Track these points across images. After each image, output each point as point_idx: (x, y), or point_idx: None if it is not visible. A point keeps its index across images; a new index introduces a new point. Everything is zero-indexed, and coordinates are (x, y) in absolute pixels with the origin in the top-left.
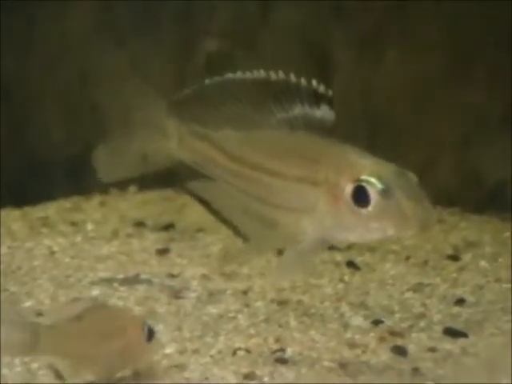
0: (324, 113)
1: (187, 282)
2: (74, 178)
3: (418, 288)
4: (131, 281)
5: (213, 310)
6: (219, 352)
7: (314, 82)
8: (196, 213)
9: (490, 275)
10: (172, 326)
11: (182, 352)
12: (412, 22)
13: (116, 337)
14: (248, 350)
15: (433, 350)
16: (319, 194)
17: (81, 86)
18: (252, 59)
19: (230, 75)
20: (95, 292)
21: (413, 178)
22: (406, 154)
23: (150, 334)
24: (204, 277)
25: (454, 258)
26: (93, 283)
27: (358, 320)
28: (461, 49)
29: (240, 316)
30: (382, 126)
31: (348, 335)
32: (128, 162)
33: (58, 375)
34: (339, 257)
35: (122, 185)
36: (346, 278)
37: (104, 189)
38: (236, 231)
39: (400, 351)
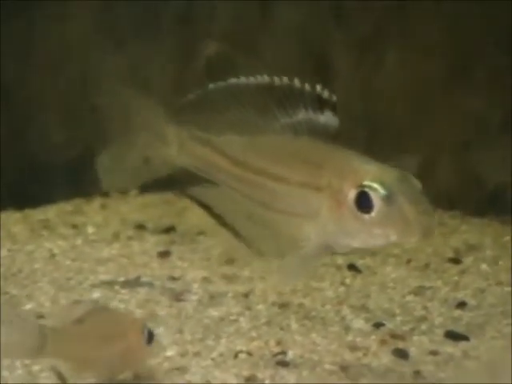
0: (328, 118)
1: (188, 284)
2: (74, 180)
3: (419, 291)
4: (132, 283)
5: (214, 312)
6: (220, 355)
7: (318, 88)
8: (196, 216)
9: (491, 278)
10: (173, 329)
11: (183, 355)
12: (412, 22)
13: (117, 340)
14: (249, 353)
15: (434, 353)
16: (322, 200)
17: (81, 87)
18: (252, 60)
19: (233, 80)
20: (96, 295)
21: (416, 183)
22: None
23: (150, 337)
24: (205, 279)
25: (455, 261)
26: (93, 286)
27: (359, 323)
28: (461, 49)
29: (241, 319)
30: (381, 128)
31: (349, 338)
32: (130, 170)
33: (61, 377)
34: (340, 260)
35: (122, 188)
36: (348, 281)
37: (105, 192)
38: (238, 236)
39: (401, 354)
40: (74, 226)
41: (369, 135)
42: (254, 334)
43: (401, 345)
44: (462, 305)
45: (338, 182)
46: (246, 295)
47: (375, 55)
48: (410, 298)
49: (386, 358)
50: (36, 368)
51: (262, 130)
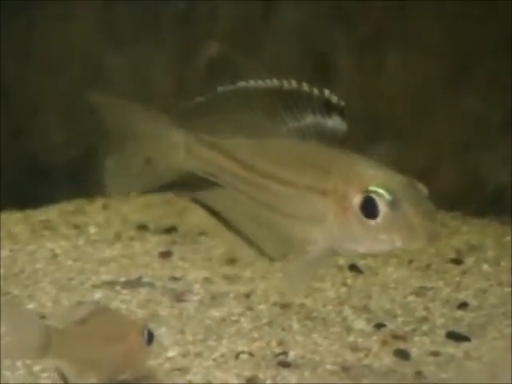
0: (336, 123)
1: (190, 285)
2: (76, 180)
3: (420, 292)
4: (134, 284)
5: (215, 313)
6: (222, 355)
7: (327, 92)
8: (198, 216)
9: (493, 279)
10: (175, 329)
11: (184, 355)
12: (412, 22)
13: (117, 341)
14: (251, 354)
15: (435, 353)
16: (328, 204)
17: (81, 87)
18: (254, 60)
19: (242, 83)
20: (98, 295)
21: (422, 188)
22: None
23: (150, 338)
24: (206, 280)
25: (457, 261)
26: (95, 286)
27: (360, 323)
28: (461, 49)
29: (243, 319)
30: (381, 128)
31: (351, 339)
32: (137, 175)
33: (63, 378)
34: (342, 260)
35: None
36: (349, 281)
37: (104, 191)
38: (246, 240)
39: (403, 355)
40: (76, 227)
41: (369, 135)
42: (255, 334)
43: (402, 345)
44: (463, 305)
45: (343, 187)
46: (247, 295)
47: (375, 55)
48: (411, 298)
49: (387, 359)
50: (37, 368)
51: (270, 133)
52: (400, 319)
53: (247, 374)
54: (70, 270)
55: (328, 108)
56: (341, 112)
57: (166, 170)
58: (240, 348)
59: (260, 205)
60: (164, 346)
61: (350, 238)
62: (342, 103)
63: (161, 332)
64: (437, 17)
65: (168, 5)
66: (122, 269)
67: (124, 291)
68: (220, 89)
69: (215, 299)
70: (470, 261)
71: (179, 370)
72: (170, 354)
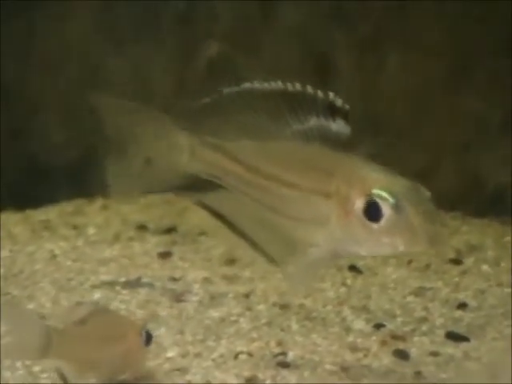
0: (339, 126)
1: (189, 285)
2: (75, 180)
3: (419, 292)
4: (133, 284)
5: (215, 313)
6: (221, 355)
7: (331, 95)
8: (198, 216)
9: (492, 279)
10: (174, 330)
11: (183, 355)
12: (412, 22)
13: (116, 341)
14: (250, 354)
15: (435, 354)
16: (331, 207)
17: (81, 87)
18: (254, 60)
19: (247, 85)
20: (97, 295)
21: (425, 192)
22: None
23: (148, 339)
24: (206, 280)
25: (456, 261)
26: (94, 286)
27: (359, 324)
28: (461, 49)
29: (242, 319)
30: (382, 128)
31: (350, 339)
32: (140, 178)
33: (63, 378)
34: (341, 261)
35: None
36: (348, 281)
37: (106, 192)
38: (251, 244)
39: (402, 355)
40: (75, 227)
41: (369, 135)
42: (254, 334)
43: (401, 346)
44: (462, 306)
45: (346, 190)
46: (246, 296)
47: (375, 55)
48: (410, 298)
49: (386, 359)
50: (37, 369)
51: (274, 135)
52: (399, 319)
53: (246, 374)
54: (70, 270)
55: (332, 111)
56: (345, 115)
57: (169, 172)
58: (239, 348)
59: (263, 207)
60: (163, 346)
61: (352, 241)
62: (347, 107)
63: (160, 332)
64: (437, 17)
65: (168, 5)
66: (121, 269)
67: (123, 291)
68: (225, 90)
69: (214, 299)
70: (469, 261)
71: (178, 370)
72: (170, 354)
